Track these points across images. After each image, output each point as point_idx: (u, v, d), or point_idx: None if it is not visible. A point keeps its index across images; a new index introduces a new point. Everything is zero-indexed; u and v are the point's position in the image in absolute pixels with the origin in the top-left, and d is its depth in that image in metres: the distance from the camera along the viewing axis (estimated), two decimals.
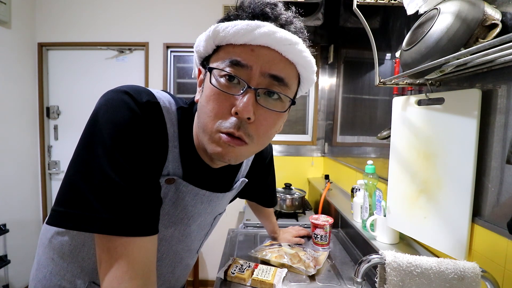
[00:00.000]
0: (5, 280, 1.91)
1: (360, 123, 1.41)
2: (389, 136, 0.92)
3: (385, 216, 0.86)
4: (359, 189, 1.06)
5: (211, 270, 2.28)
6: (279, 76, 0.42)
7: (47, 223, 0.46)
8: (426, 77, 0.63)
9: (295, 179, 2.10)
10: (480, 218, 0.60)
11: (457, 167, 0.63)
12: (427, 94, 0.70)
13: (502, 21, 0.51)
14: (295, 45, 0.41)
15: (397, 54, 0.73)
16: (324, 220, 1.05)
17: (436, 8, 0.57)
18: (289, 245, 0.98)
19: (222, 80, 0.41)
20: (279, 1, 0.44)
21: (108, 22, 2.15)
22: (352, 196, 1.12)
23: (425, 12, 0.62)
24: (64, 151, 2.27)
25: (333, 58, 1.98)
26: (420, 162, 0.73)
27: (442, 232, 0.66)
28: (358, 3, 0.76)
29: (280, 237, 1.07)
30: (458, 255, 0.62)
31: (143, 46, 2.17)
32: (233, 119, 0.41)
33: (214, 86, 0.41)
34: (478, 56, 0.45)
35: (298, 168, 2.18)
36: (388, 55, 1.09)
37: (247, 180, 0.69)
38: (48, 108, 2.22)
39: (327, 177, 1.79)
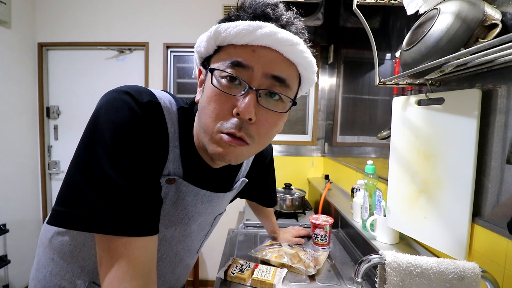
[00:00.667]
0: (5, 280, 1.90)
1: (360, 123, 1.41)
2: (389, 136, 0.92)
3: (385, 216, 0.86)
4: (359, 189, 1.06)
5: (211, 270, 2.28)
6: (280, 77, 0.42)
7: (47, 223, 0.46)
8: (426, 77, 0.63)
9: (295, 179, 2.10)
10: (480, 218, 0.60)
11: (457, 167, 0.63)
12: (427, 94, 0.70)
13: (502, 21, 0.51)
14: (296, 46, 0.41)
15: (397, 54, 0.73)
16: (324, 220, 1.05)
17: (436, 8, 0.57)
18: (289, 245, 0.98)
19: (224, 81, 0.41)
20: (280, 2, 0.45)
21: (108, 22, 2.15)
22: (352, 196, 1.13)
23: (425, 12, 0.62)
24: (64, 151, 2.27)
25: (333, 58, 1.98)
26: (420, 162, 0.73)
27: (442, 232, 0.66)
28: (358, 3, 0.76)
29: (280, 237, 1.07)
30: (458, 255, 0.62)
31: (143, 46, 2.17)
32: (234, 120, 0.41)
33: (215, 86, 0.41)
34: (478, 56, 0.45)
35: (298, 168, 2.18)
36: (388, 55, 1.09)
37: (247, 180, 0.69)
38: (48, 108, 2.22)
39: (327, 177, 1.79)
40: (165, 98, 0.47)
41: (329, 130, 2.07)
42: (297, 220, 1.45)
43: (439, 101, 0.68)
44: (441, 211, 0.67)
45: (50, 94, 2.23)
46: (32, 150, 2.18)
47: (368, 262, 0.50)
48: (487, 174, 0.59)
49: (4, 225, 1.87)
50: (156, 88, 0.51)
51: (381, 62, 1.13)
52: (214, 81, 0.42)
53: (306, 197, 1.79)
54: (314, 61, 0.45)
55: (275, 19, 0.43)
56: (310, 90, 2.15)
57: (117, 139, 0.39)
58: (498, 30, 0.50)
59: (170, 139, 0.47)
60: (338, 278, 0.84)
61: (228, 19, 0.44)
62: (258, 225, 1.34)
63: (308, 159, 2.18)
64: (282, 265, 0.87)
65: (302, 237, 1.10)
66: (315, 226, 1.04)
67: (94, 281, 0.52)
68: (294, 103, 0.46)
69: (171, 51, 2.22)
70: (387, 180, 0.86)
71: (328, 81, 2.13)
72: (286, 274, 0.83)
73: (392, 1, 0.76)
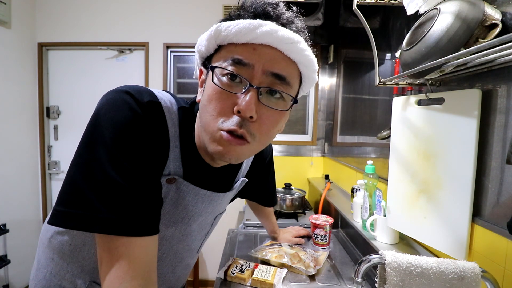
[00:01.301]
0: (5, 280, 1.90)
1: (360, 123, 1.41)
2: (389, 136, 0.92)
3: (385, 216, 0.86)
4: (359, 189, 1.06)
5: (211, 270, 2.28)
6: (281, 74, 0.42)
7: (48, 222, 0.46)
8: (426, 77, 0.63)
9: (295, 179, 2.10)
10: (480, 218, 0.60)
11: (457, 167, 0.63)
12: (427, 94, 0.70)
13: (502, 21, 0.51)
14: (297, 44, 0.41)
15: (397, 54, 0.73)
16: (324, 220, 1.05)
17: (436, 8, 0.57)
18: (289, 245, 0.98)
19: (224, 79, 0.41)
20: (281, 1, 0.45)
21: (108, 22, 2.15)
22: (352, 196, 1.13)
23: (425, 12, 0.62)
24: (64, 151, 2.27)
25: (333, 58, 1.98)
26: (420, 162, 0.73)
27: (442, 232, 0.66)
28: (358, 3, 0.76)
29: (280, 237, 1.07)
30: (458, 255, 0.62)
31: (143, 46, 2.17)
32: (235, 118, 0.41)
33: (216, 84, 0.41)
34: (478, 56, 0.45)
35: (298, 168, 2.18)
36: (388, 55, 1.09)
37: (247, 180, 0.69)
38: (48, 108, 2.22)
39: (327, 177, 1.79)
40: (165, 98, 0.47)
41: (329, 130, 2.07)
42: (297, 220, 1.45)
43: (439, 101, 0.68)
44: (441, 211, 0.67)
45: (50, 94, 2.23)
46: (32, 150, 2.18)
47: (368, 262, 0.50)
48: (487, 174, 0.59)
49: (4, 225, 1.87)
50: (156, 88, 0.51)
51: (381, 62, 1.13)
52: (215, 79, 0.42)
53: (306, 197, 1.79)
54: (315, 59, 0.45)
55: (276, 18, 0.43)
56: (310, 90, 2.16)
57: (118, 139, 0.39)
58: (498, 30, 0.50)
59: (171, 139, 0.47)
60: (338, 278, 0.84)
61: (229, 18, 0.44)
62: (258, 225, 1.34)
63: (308, 159, 2.18)
64: (282, 265, 0.87)
65: (302, 237, 1.10)
66: (315, 226, 1.04)
67: (94, 281, 0.52)
68: (295, 101, 0.46)
69: (171, 51, 2.22)
70: (387, 180, 0.86)
71: (328, 81, 2.13)
72: (286, 274, 0.83)
73: (392, 1, 0.76)
